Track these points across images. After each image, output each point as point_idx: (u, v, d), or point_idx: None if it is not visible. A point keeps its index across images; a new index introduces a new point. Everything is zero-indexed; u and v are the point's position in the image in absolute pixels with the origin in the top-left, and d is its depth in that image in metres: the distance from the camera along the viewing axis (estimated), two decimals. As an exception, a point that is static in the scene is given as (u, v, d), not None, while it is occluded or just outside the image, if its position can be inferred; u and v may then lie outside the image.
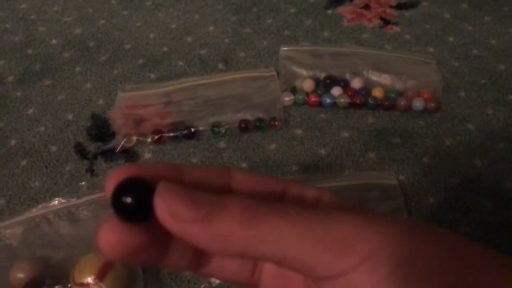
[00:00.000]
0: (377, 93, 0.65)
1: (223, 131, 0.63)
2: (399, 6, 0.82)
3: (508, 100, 0.66)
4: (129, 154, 0.62)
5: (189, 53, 0.75)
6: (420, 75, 0.68)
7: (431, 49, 0.74)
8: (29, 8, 0.84)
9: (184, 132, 0.62)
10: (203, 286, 0.49)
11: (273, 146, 0.62)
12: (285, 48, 0.72)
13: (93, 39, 0.77)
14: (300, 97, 0.66)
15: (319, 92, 0.66)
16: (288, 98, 0.66)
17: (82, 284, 0.45)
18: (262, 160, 0.60)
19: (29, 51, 0.76)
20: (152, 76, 0.71)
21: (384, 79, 0.68)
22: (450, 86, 0.68)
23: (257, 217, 0.18)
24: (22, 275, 0.48)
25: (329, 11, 0.81)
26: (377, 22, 0.79)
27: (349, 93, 0.65)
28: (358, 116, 0.65)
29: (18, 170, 0.60)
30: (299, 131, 0.63)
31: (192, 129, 0.62)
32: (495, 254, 0.19)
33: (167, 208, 0.18)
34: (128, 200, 0.18)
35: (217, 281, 0.49)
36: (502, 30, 0.77)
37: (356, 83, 0.66)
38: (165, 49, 0.75)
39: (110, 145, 0.63)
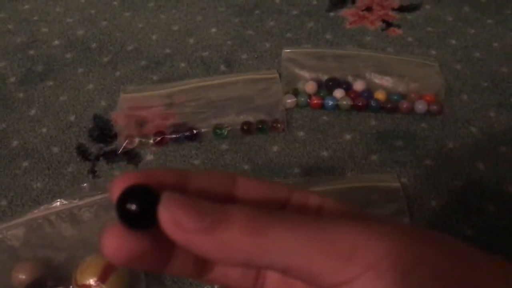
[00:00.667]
0: (380, 95, 0.65)
1: (225, 133, 0.62)
2: (401, 9, 0.82)
3: (510, 103, 0.66)
4: (131, 156, 0.62)
5: (191, 55, 0.75)
6: (422, 77, 0.68)
7: (433, 52, 0.74)
8: (31, 9, 0.84)
9: (186, 134, 0.62)
10: (205, 288, 0.49)
11: (275, 148, 0.62)
12: (288, 50, 0.72)
13: (95, 41, 0.77)
14: (302, 99, 0.66)
15: (321, 94, 0.66)
16: (290, 100, 0.66)
17: (84, 285, 0.45)
18: (264, 162, 0.60)
19: (31, 52, 0.76)
20: (155, 77, 0.71)
21: (387, 81, 0.68)
22: (452, 88, 0.68)
23: (261, 226, 0.18)
24: (24, 276, 0.48)
25: (331, 14, 0.81)
26: (379, 24, 0.79)
27: (352, 96, 0.65)
28: (361, 118, 0.65)
29: (20, 171, 0.60)
30: (301, 133, 0.63)
31: (194, 131, 0.62)
32: (497, 259, 0.19)
33: (171, 218, 0.18)
34: (133, 207, 0.18)
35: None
36: (505, 33, 0.77)
37: (359, 86, 0.66)
38: (167, 50, 0.76)
39: (112, 146, 0.63)
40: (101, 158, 0.61)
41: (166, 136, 0.62)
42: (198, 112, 0.64)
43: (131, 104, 0.66)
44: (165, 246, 0.20)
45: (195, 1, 0.84)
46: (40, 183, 0.59)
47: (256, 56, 0.74)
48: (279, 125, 0.63)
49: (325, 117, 0.65)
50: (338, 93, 0.66)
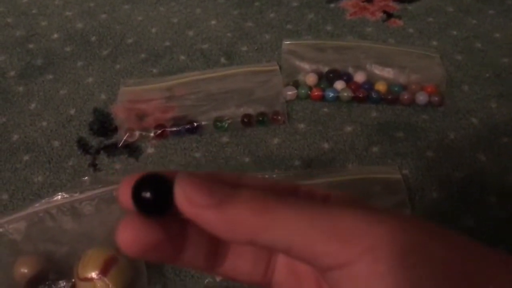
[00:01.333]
0: (380, 87, 0.65)
1: (226, 125, 0.62)
2: (402, 0, 0.82)
3: (512, 94, 0.66)
4: (132, 149, 0.61)
5: (191, 48, 0.74)
6: (423, 68, 0.68)
7: (434, 43, 0.74)
8: (30, 2, 0.83)
9: (186, 127, 0.62)
10: (207, 280, 0.49)
11: (276, 141, 0.62)
12: (288, 42, 0.72)
13: (95, 34, 0.77)
14: (303, 91, 0.65)
15: (322, 86, 0.66)
16: (290, 92, 0.65)
17: (86, 278, 0.45)
18: (265, 154, 0.60)
19: (31, 45, 0.76)
20: (154, 70, 0.71)
21: (387, 73, 0.67)
22: (453, 80, 0.68)
23: (268, 206, 0.19)
24: (25, 270, 0.48)
25: (332, 5, 0.81)
26: (380, 15, 0.79)
27: (352, 87, 0.65)
28: (361, 110, 0.64)
29: (20, 165, 0.60)
30: (302, 125, 0.63)
31: (195, 124, 0.62)
32: (494, 249, 0.20)
33: (185, 195, 0.19)
34: (148, 194, 0.19)
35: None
36: (506, 24, 0.77)
37: (359, 77, 0.66)
38: (167, 43, 0.75)
39: (112, 140, 0.62)
40: (101, 152, 0.61)
41: (166, 129, 0.62)
42: (198, 105, 0.64)
43: (131, 98, 0.66)
44: (178, 238, 0.21)
45: (194, -7, 0.84)
46: (41, 176, 0.59)
47: (256, 48, 0.74)
48: (279, 117, 0.63)
49: (325, 109, 0.65)
50: (339, 84, 0.65)
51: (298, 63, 0.69)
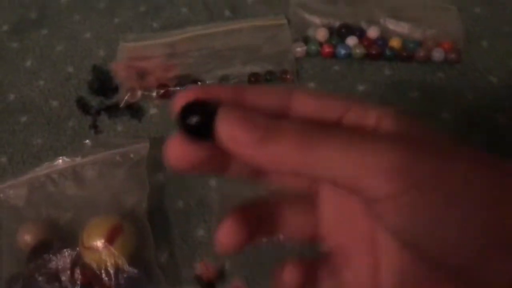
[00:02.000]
0: (395, 43, 0.61)
1: (232, 84, 0.59)
2: None
3: (533, 50, 0.62)
4: (134, 109, 0.59)
5: (193, -1, 0.70)
6: (439, 23, 0.64)
7: (452, -6, 0.69)
8: (20, -51, 0.78)
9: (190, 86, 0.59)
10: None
11: (284, 101, 0.59)
12: (297, -6, 0.67)
13: (91, -16, 0.72)
14: (313, 47, 0.62)
15: (333, 42, 0.62)
16: (300, 49, 0.62)
17: (91, 247, 0.44)
18: (273, 115, 0.58)
19: (23, -3, 0.71)
20: (155, 24, 0.67)
21: (402, 27, 0.63)
22: (471, 35, 0.64)
23: (311, 142, 0.19)
24: (29, 238, 0.47)
25: (343, -48, 0.76)
26: (394, -36, 0.74)
27: (365, 43, 0.61)
28: (374, 68, 0.61)
29: (18, 127, 0.58)
30: (311, 85, 0.60)
31: (199, 83, 0.59)
32: None
33: (227, 132, 0.20)
34: (193, 121, 0.20)
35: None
36: (529, -27, 0.72)
37: (372, 32, 0.62)
38: (168, -6, 0.71)
39: (113, 100, 0.60)
40: (102, 113, 0.59)
41: (170, 88, 0.59)
42: (202, 63, 0.61)
43: (132, 55, 0.62)
44: (224, 153, 0.21)
45: None
46: (40, 139, 0.57)
47: (262, 0, 0.69)
48: (288, 76, 0.60)
49: (336, 67, 0.62)
50: (351, 40, 0.62)
51: (307, 16, 0.65)
